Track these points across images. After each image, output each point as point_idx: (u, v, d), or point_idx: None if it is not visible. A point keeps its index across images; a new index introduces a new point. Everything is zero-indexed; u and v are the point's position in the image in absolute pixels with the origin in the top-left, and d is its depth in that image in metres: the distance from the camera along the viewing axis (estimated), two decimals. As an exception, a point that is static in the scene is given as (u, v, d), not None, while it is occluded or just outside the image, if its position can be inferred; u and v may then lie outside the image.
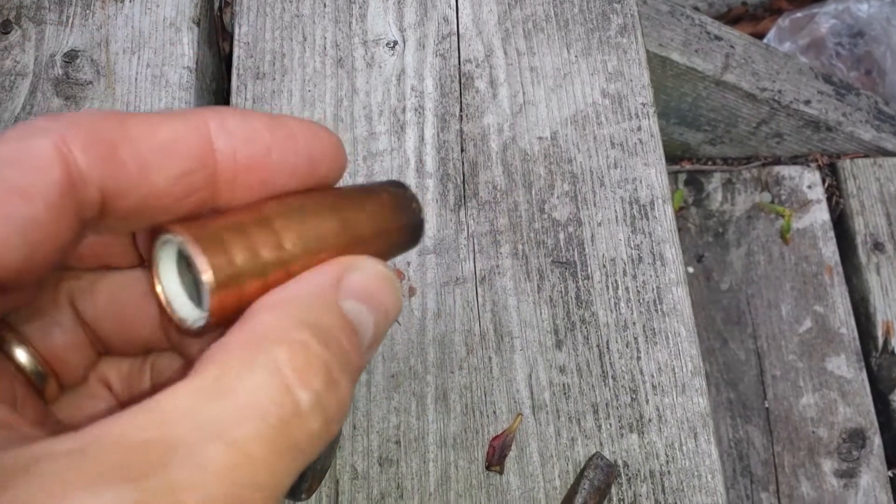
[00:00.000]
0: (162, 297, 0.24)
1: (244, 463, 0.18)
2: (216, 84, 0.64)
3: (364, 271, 0.24)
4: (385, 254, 0.27)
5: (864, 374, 0.95)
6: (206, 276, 0.22)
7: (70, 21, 0.61)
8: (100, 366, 0.28)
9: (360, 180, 0.56)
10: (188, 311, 0.24)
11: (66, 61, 0.59)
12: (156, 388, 0.26)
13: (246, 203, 0.25)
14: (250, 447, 0.19)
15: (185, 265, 0.25)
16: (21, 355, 0.25)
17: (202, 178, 0.23)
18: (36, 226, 0.21)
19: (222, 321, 0.23)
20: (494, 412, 0.51)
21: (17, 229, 0.20)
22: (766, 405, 0.95)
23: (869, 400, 0.94)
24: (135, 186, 0.22)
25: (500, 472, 0.49)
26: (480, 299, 0.53)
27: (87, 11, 0.61)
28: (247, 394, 0.19)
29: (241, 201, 0.24)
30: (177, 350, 0.27)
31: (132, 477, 0.17)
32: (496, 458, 0.50)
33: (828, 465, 0.92)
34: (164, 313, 0.24)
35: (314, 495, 0.48)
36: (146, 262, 0.26)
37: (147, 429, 0.18)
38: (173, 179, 0.23)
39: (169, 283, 0.25)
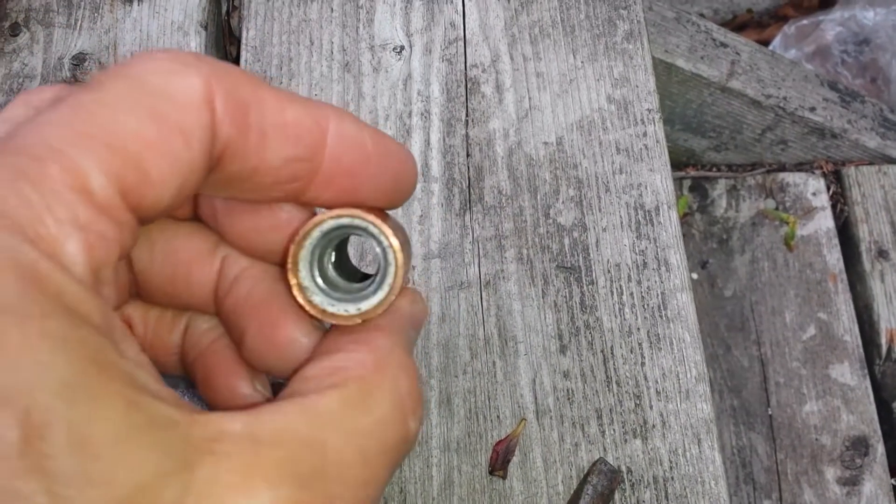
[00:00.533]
0: (306, 282, 0.26)
1: (373, 479, 0.21)
2: (223, 87, 0.65)
3: (422, 304, 0.28)
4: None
5: (868, 382, 0.95)
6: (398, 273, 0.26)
7: (78, 24, 0.61)
8: (125, 306, 0.27)
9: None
10: (334, 305, 0.26)
11: (74, 64, 0.59)
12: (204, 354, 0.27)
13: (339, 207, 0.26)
14: (377, 464, 0.21)
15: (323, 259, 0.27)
16: None
17: (306, 169, 0.24)
18: (191, 169, 0.21)
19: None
20: (498, 417, 0.51)
21: (178, 171, 0.20)
22: (770, 412, 0.95)
23: (872, 408, 0.94)
24: (250, 154, 0.22)
25: (504, 477, 0.49)
26: (485, 304, 0.53)
27: (96, 14, 0.61)
28: (380, 412, 0.22)
29: (325, 202, 0.25)
30: (226, 320, 0.27)
31: (297, 480, 0.19)
32: (499, 463, 0.50)
33: (831, 473, 0.92)
34: (301, 297, 0.26)
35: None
36: (286, 249, 0.26)
37: (304, 433, 0.20)
38: (283, 161, 0.23)
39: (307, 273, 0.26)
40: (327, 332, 0.27)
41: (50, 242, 0.17)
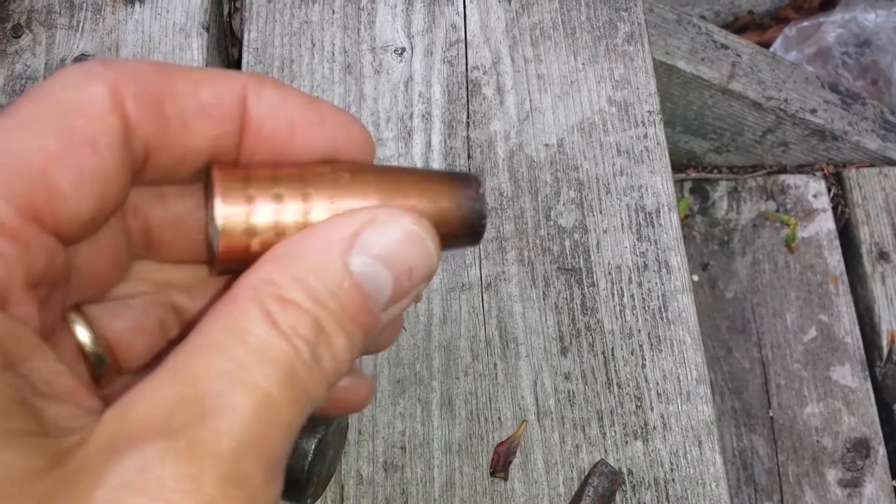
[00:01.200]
0: (209, 231, 0.25)
1: (267, 403, 0.19)
2: (225, 89, 0.65)
3: (385, 227, 0.23)
4: None
5: (869, 384, 0.95)
6: (217, 222, 0.23)
7: (80, 26, 0.61)
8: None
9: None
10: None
11: (76, 65, 0.59)
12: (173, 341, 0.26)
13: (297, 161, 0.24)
14: (270, 389, 0.19)
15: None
16: (83, 335, 0.24)
17: (232, 142, 0.23)
18: (104, 177, 0.21)
19: (231, 266, 0.24)
20: (499, 418, 0.51)
21: (89, 181, 0.20)
22: (771, 414, 0.95)
23: (873, 410, 0.94)
24: (174, 143, 0.22)
25: (505, 479, 0.49)
26: (486, 305, 0.53)
27: (98, 16, 0.61)
28: (256, 341, 0.20)
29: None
30: None
31: (172, 431, 0.18)
32: (501, 465, 0.50)
33: (832, 475, 0.92)
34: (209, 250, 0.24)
35: (319, 500, 0.48)
36: (205, 199, 0.25)
37: (179, 386, 0.19)
38: (209, 140, 0.23)
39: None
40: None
41: None
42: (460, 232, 0.26)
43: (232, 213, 0.23)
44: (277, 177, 0.24)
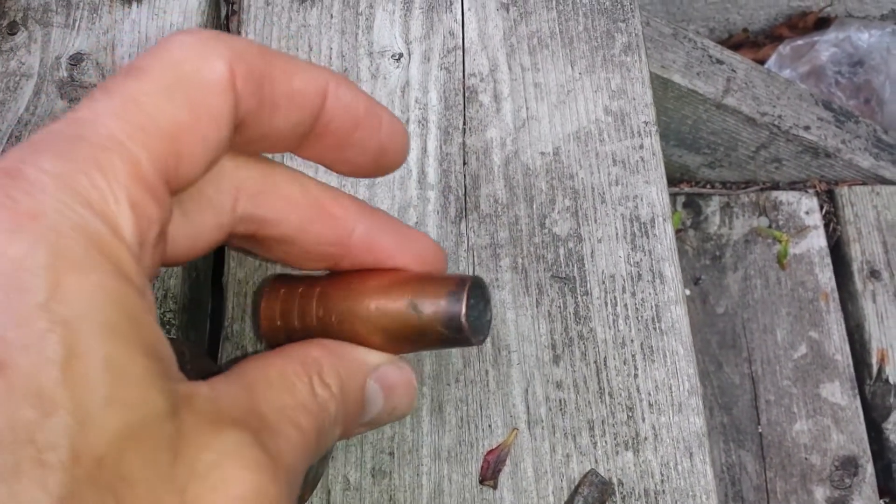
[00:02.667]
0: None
1: (305, 444, 0.25)
2: (220, 91, 0.64)
3: (399, 371, 0.32)
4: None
5: (858, 402, 0.95)
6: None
7: (77, 24, 0.61)
8: None
9: (362, 189, 0.56)
10: None
11: (71, 64, 0.59)
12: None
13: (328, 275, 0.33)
14: (310, 435, 0.26)
15: None
16: None
17: (307, 127, 0.27)
18: (219, 148, 0.24)
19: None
20: (490, 426, 0.50)
21: (208, 151, 0.24)
22: (760, 430, 0.95)
23: (862, 428, 0.94)
24: (263, 122, 0.26)
25: (494, 487, 0.49)
26: (479, 312, 0.53)
27: (95, 15, 0.61)
28: (302, 397, 0.26)
29: (311, 157, 0.29)
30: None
31: (248, 427, 0.23)
32: (490, 473, 0.49)
33: (820, 493, 0.92)
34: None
35: (306, 504, 0.47)
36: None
37: (246, 401, 0.25)
38: (289, 125, 0.27)
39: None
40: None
41: (111, 218, 0.21)
42: (443, 341, 0.33)
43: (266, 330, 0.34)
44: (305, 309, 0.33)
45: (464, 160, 0.57)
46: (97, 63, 0.59)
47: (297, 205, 0.30)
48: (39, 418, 0.18)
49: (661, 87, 0.92)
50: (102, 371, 0.20)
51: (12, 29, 0.60)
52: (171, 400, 0.21)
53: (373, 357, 0.31)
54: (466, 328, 0.32)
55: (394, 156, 0.30)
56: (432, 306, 0.31)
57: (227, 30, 0.65)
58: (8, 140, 0.57)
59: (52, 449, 0.18)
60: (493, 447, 0.50)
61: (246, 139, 0.26)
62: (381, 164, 0.31)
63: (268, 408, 0.25)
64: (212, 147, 0.24)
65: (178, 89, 0.23)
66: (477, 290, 0.33)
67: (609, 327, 0.53)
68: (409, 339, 0.32)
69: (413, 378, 0.32)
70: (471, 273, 0.54)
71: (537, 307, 0.53)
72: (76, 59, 0.59)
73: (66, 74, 0.59)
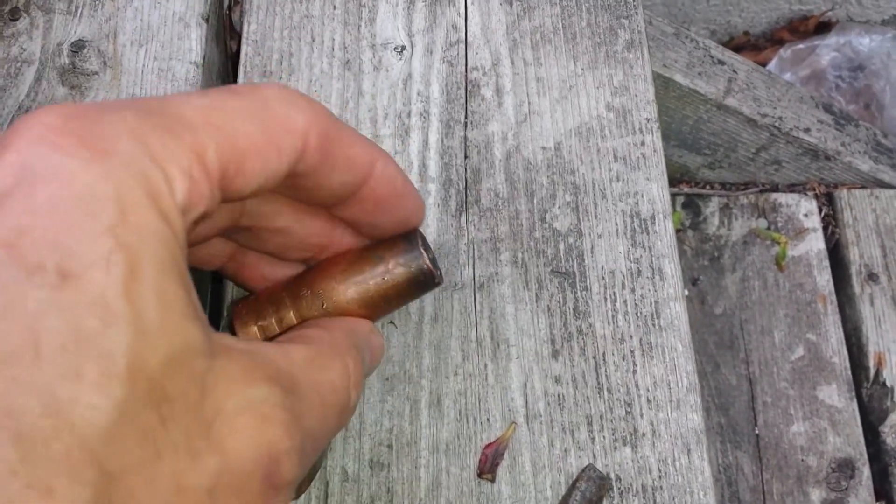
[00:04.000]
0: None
1: (328, 421, 0.29)
2: (221, 81, 0.64)
3: (378, 336, 0.38)
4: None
5: (855, 405, 0.95)
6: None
7: (79, 11, 0.60)
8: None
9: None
10: None
11: (73, 51, 0.59)
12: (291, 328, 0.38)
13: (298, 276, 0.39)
14: (331, 412, 0.29)
15: None
16: None
17: (351, 192, 0.33)
18: (274, 175, 0.28)
19: None
20: (488, 419, 0.50)
21: (265, 174, 0.27)
22: (757, 432, 0.95)
23: (859, 430, 0.94)
24: (321, 175, 0.30)
25: (492, 481, 0.49)
26: (478, 306, 0.53)
27: (97, 2, 0.61)
28: (334, 375, 0.30)
29: (350, 216, 0.36)
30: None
31: (281, 386, 0.26)
32: (488, 467, 0.49)
33: (816, 495, 0.92)
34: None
35: (303, 495, 0.47)
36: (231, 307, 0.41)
37: (284, 363, 0.27)
38: (340, 184, 0.32)
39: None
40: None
41: (170, 177, 0.24)
42: (414, 289, 0.40)
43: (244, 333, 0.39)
44: (279, 298, 0.39)
45: (465, 154, 0.57)
46: (99, 50, 0.59)
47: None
48: (102, 328, 0.20)
49: (663, 86, 0.92)
50: (156, 297, 0.22)
51: (14, 15, 0.60)
52: (209, 342, 0.24)
53: (365, 326, 0.36)
54: (432, 269, 0.39)
55: (415, 220, 0.37)
56: (400, 264, 0.38)
57: (230, 19, 0.65)
58: (7, 125, 0.56)
59: (111, 359, 0.20)
60: (492, 441, 0.50)
61: (304, 186, 0.30)
62: (404, 226, 0.37)
63: (302, 377, 0.27)
64: (268, 174, 0.27)
65: (262, 117, 0.27)
66: (424, 239, 0.40)
67: (608, 323, 0.53)
68: (388, 300, 0.39)
69: (382, 339, 0.38)
70: (471, 266, 0.54)
71: (537, 302, 0.53)
72: (78, 46, 0.59)
73: (67, 61, 0.59)
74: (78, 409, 0.19)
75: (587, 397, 0.51)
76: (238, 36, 0.62)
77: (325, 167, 0.30)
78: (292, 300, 0.39)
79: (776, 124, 0.97)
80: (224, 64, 0.65)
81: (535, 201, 0.56)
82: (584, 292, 0.54)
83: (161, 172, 0.23)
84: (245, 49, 0.60)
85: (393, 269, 0.38)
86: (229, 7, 0.64)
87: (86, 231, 0.21)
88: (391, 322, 0.52)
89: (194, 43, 0.59)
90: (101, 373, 0.20)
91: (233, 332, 0.41)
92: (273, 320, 0.39)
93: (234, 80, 0.60)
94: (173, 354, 0.22)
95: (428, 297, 0.53)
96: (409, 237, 0.39)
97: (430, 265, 0.39)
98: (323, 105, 0.30)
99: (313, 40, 0.60)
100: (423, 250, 0.39)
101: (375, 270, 0.38)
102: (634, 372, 0.52)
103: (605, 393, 0.51)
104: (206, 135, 0.25)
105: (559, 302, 0.53)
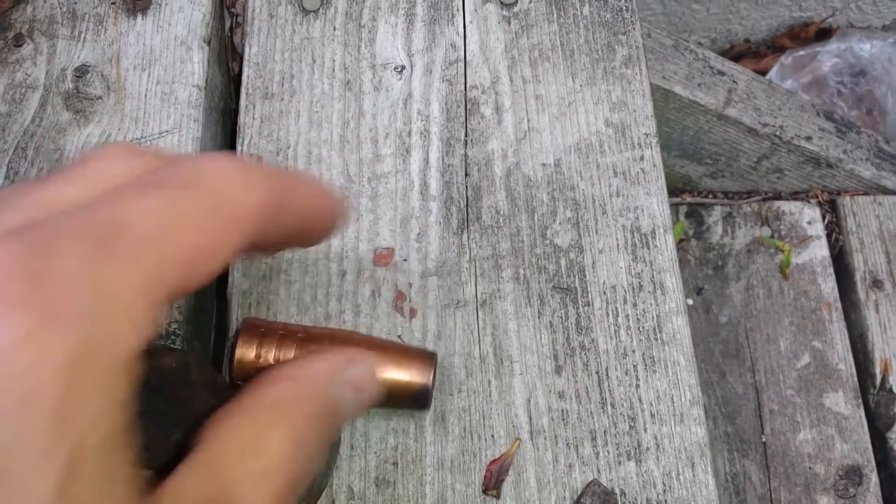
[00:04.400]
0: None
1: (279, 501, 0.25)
2: (224, 103, 0.65)
3: (363, 367, 0.31)
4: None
5: (862, 411, 0.95)
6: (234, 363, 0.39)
7: (82, 36, 0.61)
8: None
9: (364, 200, 0.56)
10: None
11: (76, 76, 0.60)
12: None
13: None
14: (280, 495, 0.25)
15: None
16: None
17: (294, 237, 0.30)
18: (223, 265, 0.25)
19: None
20: (492, 436, 0.50)
21: (219, 268, 0.25)
22: (764, 440, 0.95)
23: (866, 437, 0.94)
24: (267, 233, 0.28)
25: (497, 497, 0.49)
26: (481, 323, 0.53)
27: (100, 27, 0.62)
28: (277, 452, 0.26)
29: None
30: None
31: None
32: (493, 483, 0.49)
33: (824, 502, 0.92)
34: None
35: (309, 515, 0.48)
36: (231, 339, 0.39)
37: (207, 485, 0.24)
38: (286, 236, 0.29)
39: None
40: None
41: (132, 317, 0.21)
42: (408, 402, 0.43)
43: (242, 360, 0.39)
44: (283, 341, 0.40)
45: (465, 171, 0.58)
46: (102, 75, 0.60)
47: None
48: None
49: (663, 98, 0.92)
50: (97, 492, 0.20)
51: (18, 41, 0.61)
52: (136, 490, 0.22)
53: (337, 364, 0.31)
54: (429, 402, 0.43)
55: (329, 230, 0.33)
56: (418, 384, 0.43)
57: (231, 42, 0.66)
58: (14, 151, 0.57)
59: None
60: (496, 457, 0.50)
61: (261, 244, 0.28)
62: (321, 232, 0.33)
63: (235, 475, 0.24)
64: (219, 265, 0.25)
65: (213, 208, 0.24)
66: (436, 369, 0.43)
67: (611, 338, 0.53)
68: (387, 398, 0.43)
69: (373, 366, 0.32)
70: (473, 283, 0.54)
71: (539, 318, 0.53)
72: (81, 71, 0.60)
73: (71, 86, 0.59)
74: None
75: (591, 412, 0.51)
76: (240, 58, 0.63)
77: (273, 228, 0.27)
78: (300, 345, 0.40)
79: (777, 133, 0.97)
80: (226, 86, 0.66)
81: (535, 218, 0.56)
82: (585, 308, 0.54)
83: (120, 318, 0.21)
84: (247, 71, 0.60)
85: (411, 382, 0.42)
86: (230, 30, 0.65)
87: (24, 424, 0.19)
88: (398, 336, 0.52)
89: (196, 66, 0.60)
90: None
91: (233, 353, 0.43)
92: (272, 357, 0.40)
93: (236, 102, 0.60)
94: None
95: (430, 315, 0.53)
96: (428, 360, 0.44)
97: (430, 398, 0.44)
98: (275, 169, 0.28)
99: (314, 61, 0.61)
100: (432, 381, 0.43)
101: (399, 375, 0.42)
102: (637, 386, 0.52)
103: (609, 408, 0.51)
104: (155, 262, 0.22)
105: (561, 318, 0.54)
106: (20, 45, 0.61)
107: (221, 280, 0.59)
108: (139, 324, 0.22)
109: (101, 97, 0.59)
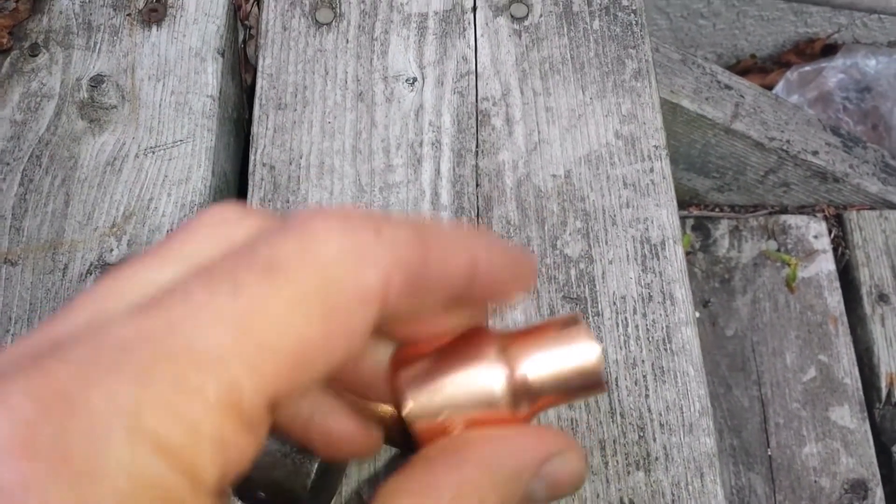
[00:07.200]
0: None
1: None
2: (237, 113, 0.66)
3: (568, 461, 0.25)
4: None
5: (868, 426, 0.95)
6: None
7: (97, 47, 0.62)
8: None
9: (376, 210, 0.57)
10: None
11: (91, 85, 0.60)
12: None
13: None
14: None
15: None
16: None
17: (455, 300, 0.24)
18: (350, 359, 0.21)
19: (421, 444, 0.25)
20: (502, 445, 0.51)
21: (329, 369, 0.20)
22: (769, 453, 0.95)
23: (871, 451, 0.94)
24: (407, 311, 0.23)
25: (506, 506, 0.49)
26: (491, 332, 0.53)
27: (115, 38, 0.62)
28: None
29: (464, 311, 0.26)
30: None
31: None
32: (502, 492, 0.49)
33: (830, 516, 0.92)
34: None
35: (320, 521, 0.48)
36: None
37: None
38: (440, 301, 0.24)
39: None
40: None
41: (192, 464, 0.17)
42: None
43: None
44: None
45: (476, 182, 0.58)
46: (117, 85, 0.60)
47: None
48: None
49: (671, 111, 0.93)
50: None
51: (34, 51, 0.62)
52: None
53: (538, 447, 0.24)
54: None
55: (527, 285, 0.27)
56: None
57: (245, 53, 0.67)
58: (28, 159, 0.58)
59: None
60: (505, 466, 0.50)
61: (393, 315, 0.23)
62: (519, 294, 0.27)
63: None
64: (339, 362, 0.20)
65: (317, 300, 0.19)
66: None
67: (620, 348, 0.54)
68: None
69: (584, 463, 0.25)
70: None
71: (549, 327, 0.54)
72: (97, 81, 0.60)
73: (86, 96, 0.60)
74: None
75: (600, 422, 0.52)
76: (253, 69, 0.64)
77: (413, 301, 0.22)
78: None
79: (784, 147, 0.98)
80: (239, 97, 0.67)
81: (546, 228, 0.57)
82: (595, 318, 0.54)
83: (175, 469, 0.17)
84: (260, 82, 0.61)
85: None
86: (244, 41, 0.66)
87: None
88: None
89: (210, 77, 0.61)
90: None
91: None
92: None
93: (250, 113, 0.61)
94: None
95: (441, 324, 0.53)
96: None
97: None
98: (401, 227, 0.22)
99: (327, 73, 0.61)
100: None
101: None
102: (647, 396, 0.52)
103: (618, 417, 0.52)
104: (241, 366, 0.18)
105: (571, 328, 0.54)
106: (36, 55, 0.62)
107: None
108: (221, 441, 0.18)
109: (115, 106, 0.60)
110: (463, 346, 0.25)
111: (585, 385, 0.26)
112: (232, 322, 0.18)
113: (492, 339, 0.25)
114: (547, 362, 0.25)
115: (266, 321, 0.18)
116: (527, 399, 0.25)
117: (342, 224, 0.20)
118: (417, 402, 0.24)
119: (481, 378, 0.24)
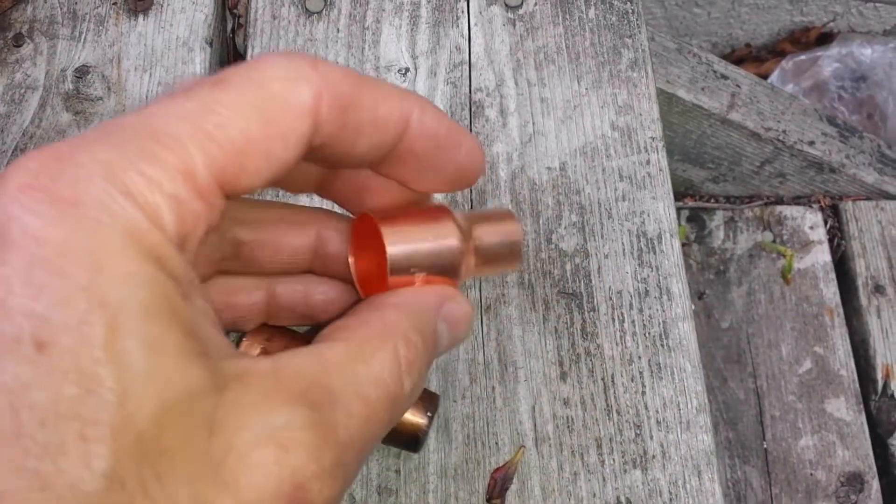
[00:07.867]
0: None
1: (373, 419, 0.25)
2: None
3: (458, 305, 0.31)
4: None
5: (864, 418, 0.95)
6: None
7: (83, 37, 0.61)
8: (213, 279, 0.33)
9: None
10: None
11: (76, 76, 0.59)
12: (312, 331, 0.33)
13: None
14: (377, 408, 0.26)
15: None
16: None
17: (385, 153, 0.28)
18: (282, 166, 0.25)
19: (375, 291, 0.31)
20: (497, 443, 0.50)
21: (270, 167, 0.25)
22: (765, 446, 0.94)
23: (868, 443, 0.93)
24: (344, 144, 0.27)
25: (501, 505, 0.49)
26: (485, 328, 0.52)
27: (101, 28, 0.61)
28: (378, 366, 0.26)
29: (390, 175, 0.30)
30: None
31: (307, 402, 0.24)
32: (497, 491, 0.49)
33: (825, 509, 0.91)
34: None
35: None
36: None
37: (315, 372, 0.25)
38: (372, 149, 0.28)
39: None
40: (357, 302, 0.32)
41: (154, 210, 0.22)
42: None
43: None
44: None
45: (470, 175, 0.57)
46: (103, 76, 0.59)
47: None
48: (82, 395, 0.19)
49: (666, 101, 0.92)
50: (141, 349, 0.21)
51: (18, 41, 0.60)
52: (214, 377, 0.22)
53: (437, 297, 0.30)
54: (422, 442, 0.38)
55: (469, 176, 0.32)
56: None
57: (234, 43, 0.65)
58: (13, 152, 0.56)
59: (94, 425, 0.19)
60: (500, 465, 0.49)
61: (326, 157, 0.27)
62: (456, 183, 0.32)
63: (337, 380, 0.25)
64: (276, 164, 0.25)
65: (257, 105, 0.24)
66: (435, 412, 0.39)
67: (616, 344, 0.53)
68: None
69: (470, 307, 0.32)
70: (478, 288, 0.54)
71: (544, 323, 0.53)
72: (82, 72, 0.59)
73: (71, 87, 0.59)
74: (63, 483, 0.19)
75: (596, 419, 0.51)
76: (242, 58, 0.62)
77: (346, 134, 0.27)
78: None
79: (780, 138, 0.97)
80: (228, 87, 0.65)
81: (540, 222, 0.56)
82: (591, 313, 0.53)
83: (138, 209, 0.22)
84: (249, 73, 0.60)
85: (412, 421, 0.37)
86: (233, 30, 0.64)
87: (58, 294, 0.20)
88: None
89: (198, 67, 0.60)
90: (83, 442, 0.19)
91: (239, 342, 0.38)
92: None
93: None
94: (167, 403, 0.21)
95: (435, 320, 0.52)
96: (431, 403, 0.38)
97: (423, 439, 0.39)
98: (336, 66, 0.26)
99: (317, 63, 0.60)
100: (428, 422, 0.38)
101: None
102: (643, 393, 0.51)
103: (615, 415, 0.51)
104: (194, 146, 0.23)
105: (567, 323, 0.53)
106: (20, 46, 0.60)
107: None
108: (177, 199, 0.23)
109: (101, 98, 0.58)
110: (431, 218, 0.31)
111: (512, 253, 0.33)
112: (185, 117, 0.23)
113: (452, 216, 0.31)
114: (491, 237, 0.32)
115: (213, 118, 0.23)
116: (470, 264, 0.32)
117: (284, 56, 0.25)
118: (395, 258, 0.29)
119: (449, 246, 0.30)
